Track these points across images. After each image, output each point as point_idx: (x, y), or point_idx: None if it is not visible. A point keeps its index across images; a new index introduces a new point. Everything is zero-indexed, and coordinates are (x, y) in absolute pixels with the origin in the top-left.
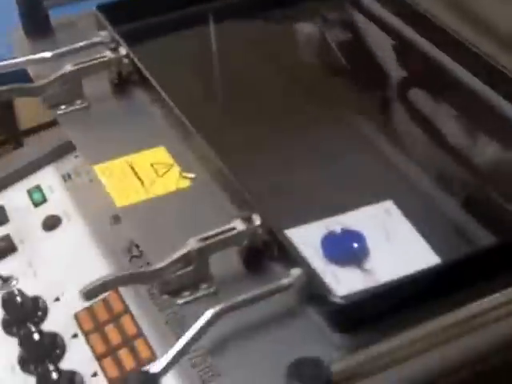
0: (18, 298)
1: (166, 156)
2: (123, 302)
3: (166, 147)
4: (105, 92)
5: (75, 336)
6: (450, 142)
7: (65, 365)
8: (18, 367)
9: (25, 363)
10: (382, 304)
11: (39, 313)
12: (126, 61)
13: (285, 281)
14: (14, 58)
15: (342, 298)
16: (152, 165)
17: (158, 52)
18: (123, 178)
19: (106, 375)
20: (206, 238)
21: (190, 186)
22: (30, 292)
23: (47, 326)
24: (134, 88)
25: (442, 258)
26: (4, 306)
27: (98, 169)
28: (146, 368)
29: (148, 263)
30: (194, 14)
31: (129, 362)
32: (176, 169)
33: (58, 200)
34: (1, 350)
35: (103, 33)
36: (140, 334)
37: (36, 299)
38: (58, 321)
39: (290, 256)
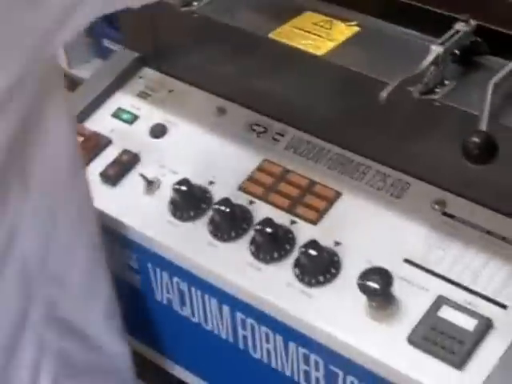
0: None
1: (318, 16)
2: (279, 165)
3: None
4: None
5: (252, 202)
6: None
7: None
8: None
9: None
10: None
11: (207, 195)
12: None
13: None
14: None
15: None
16: (314, 24)
17: None
18: (301, 37)
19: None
20: (442, 43)
21: (361, 31)
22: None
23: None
24: None
25: None
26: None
27: (274, 35)
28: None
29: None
30: None
31: (319, 204)
32: (337, 21)
33: (151, 113)
34: None
35: None
36: (312, 182)
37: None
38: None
39: None
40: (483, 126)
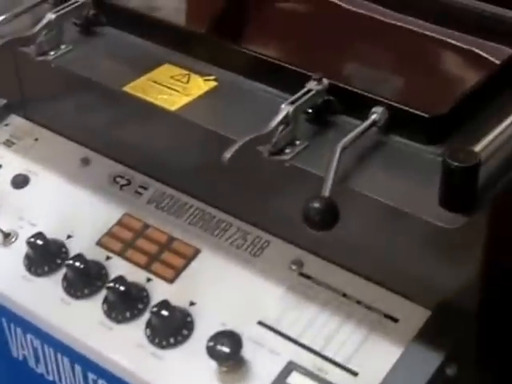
0: (40, 241)
1: (176, 69)
2: (139, 219)
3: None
4: (80, 36)
5: (108, 258)
6: None
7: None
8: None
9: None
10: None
11: (63, 249)
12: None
13: (374, 117)
14: None
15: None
16: (171, 77)
17: None
18: (157, 91)
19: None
20: (293, 102)
21: (218, 86)
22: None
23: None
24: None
25: None
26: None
27: (129, 88)
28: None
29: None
30: None
31: (177, 261)
32: (195, 75)
33: (14, 162)
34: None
35: None
36: (171, 238)
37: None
38: (85, 250)
39: (367, 100)
40: (326, 191)
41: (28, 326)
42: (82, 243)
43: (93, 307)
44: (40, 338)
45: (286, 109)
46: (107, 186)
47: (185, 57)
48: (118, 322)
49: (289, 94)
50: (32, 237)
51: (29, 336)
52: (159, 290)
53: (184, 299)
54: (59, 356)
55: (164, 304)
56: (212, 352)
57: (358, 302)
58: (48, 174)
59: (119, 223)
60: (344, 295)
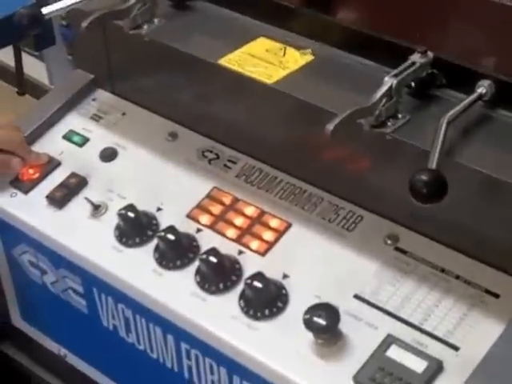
0: (131, 213)
1: (271, 43)
2: (229, 193)
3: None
4: (174, 10)
5: (199, 231)
6: None
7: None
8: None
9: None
10: None
11: (154, 221)
12: None
13: (480, 91)
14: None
15: None
16: (267, 50)
17: None
18: (253, 64)
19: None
20: (396, 75)
21: (315, 59)
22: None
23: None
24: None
25: None
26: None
27: (224, 61)
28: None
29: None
30: None
31: (268, 235)
32: (291, 48)
33: (102, 136)
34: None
35: None
36: (262, 211)
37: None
38: (175, 223)
39: (473, 73)
40: (433, 164)
41: (119, 296)
42: (172, 216)
43: (185, 278)
44: (132, 308)
45: (389, 81)
46: (195, 160)
47: (280, 30)
48: (212, 293)
49: (388, 68)
50: (123, 209)
51: (120, 306)
52: (252, 263)
53: (277, 272)
54: (151, 326)
55: (258, 276)
56: (309, 324)
57: (457, 278)
58: (136, 148)
59: (209, 196)
60: (442, 270)
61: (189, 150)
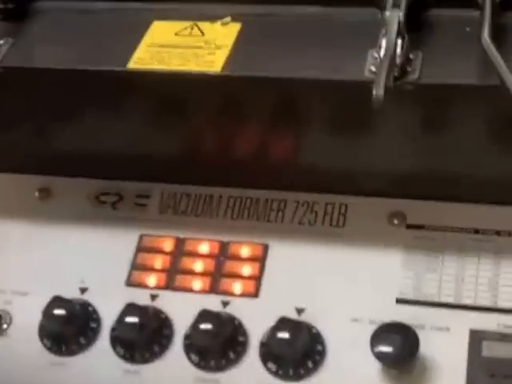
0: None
1: (172, 24)
2: (164, 236)
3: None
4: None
5: (154, 297)
6: None
7: None
8: None
9: None
10: None
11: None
12: None
13: None
14: None
15: None
16: (176, 34)
17: None
18: (175, 55)
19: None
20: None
21: (244, 26)
22: None
23: None
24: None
25: None
26: None
27: (135, 64)
28: None
29: None
30: None
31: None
32: (203, 23)
33: None
34: None
35: None
36: (221, 243)
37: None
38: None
39: None
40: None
41: None
42: (108, 291)
43: (174, 364)
44: None
45: (394, 16)
46: (90, 209)
47: (163, 5)
48: (219, 369)
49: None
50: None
51: None
52: (248, 312)
53: (288, 310)
54: None
55: (282, 325)
56: (379, 356)
57: (498, 233)
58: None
59: (140, 250)
60: (477, 231)
61: (78, 202)
